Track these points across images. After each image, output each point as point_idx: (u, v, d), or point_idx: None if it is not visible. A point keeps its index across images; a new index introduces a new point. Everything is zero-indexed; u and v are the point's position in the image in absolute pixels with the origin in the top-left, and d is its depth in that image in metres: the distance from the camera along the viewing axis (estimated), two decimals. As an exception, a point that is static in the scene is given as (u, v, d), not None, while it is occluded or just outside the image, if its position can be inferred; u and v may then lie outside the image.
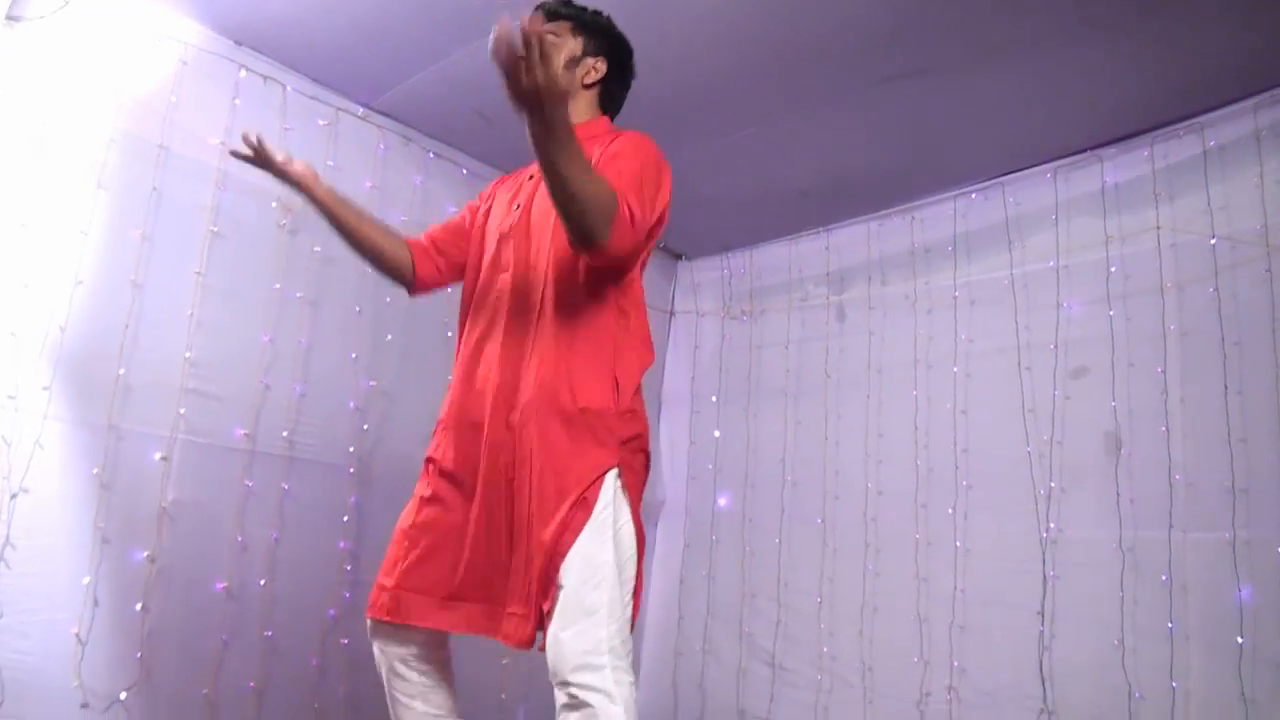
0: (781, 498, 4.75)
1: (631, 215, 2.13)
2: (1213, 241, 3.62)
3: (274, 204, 3.81)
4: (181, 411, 3.48)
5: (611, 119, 2.68)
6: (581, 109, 2.55)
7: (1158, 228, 3.79)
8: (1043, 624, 3.81)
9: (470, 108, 4.12)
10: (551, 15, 2.57)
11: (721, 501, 5.05)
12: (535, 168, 2.41)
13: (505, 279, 2.48)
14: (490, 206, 2.71)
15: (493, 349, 2.47)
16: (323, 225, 3.87)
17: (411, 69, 3.91)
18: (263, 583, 3.64)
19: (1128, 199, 3.90)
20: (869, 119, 4.00)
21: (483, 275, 2.60)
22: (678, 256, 5.59)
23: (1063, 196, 4.09)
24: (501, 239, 2.52)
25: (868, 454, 4.52)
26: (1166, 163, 3.81)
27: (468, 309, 2.69)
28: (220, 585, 3.53)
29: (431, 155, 4.40)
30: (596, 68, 2.60)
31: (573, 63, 2.51)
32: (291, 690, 3.69)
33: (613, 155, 2.31)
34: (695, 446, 5.22)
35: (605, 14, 2.67)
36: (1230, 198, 3.61)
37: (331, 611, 3.83)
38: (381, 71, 3.96)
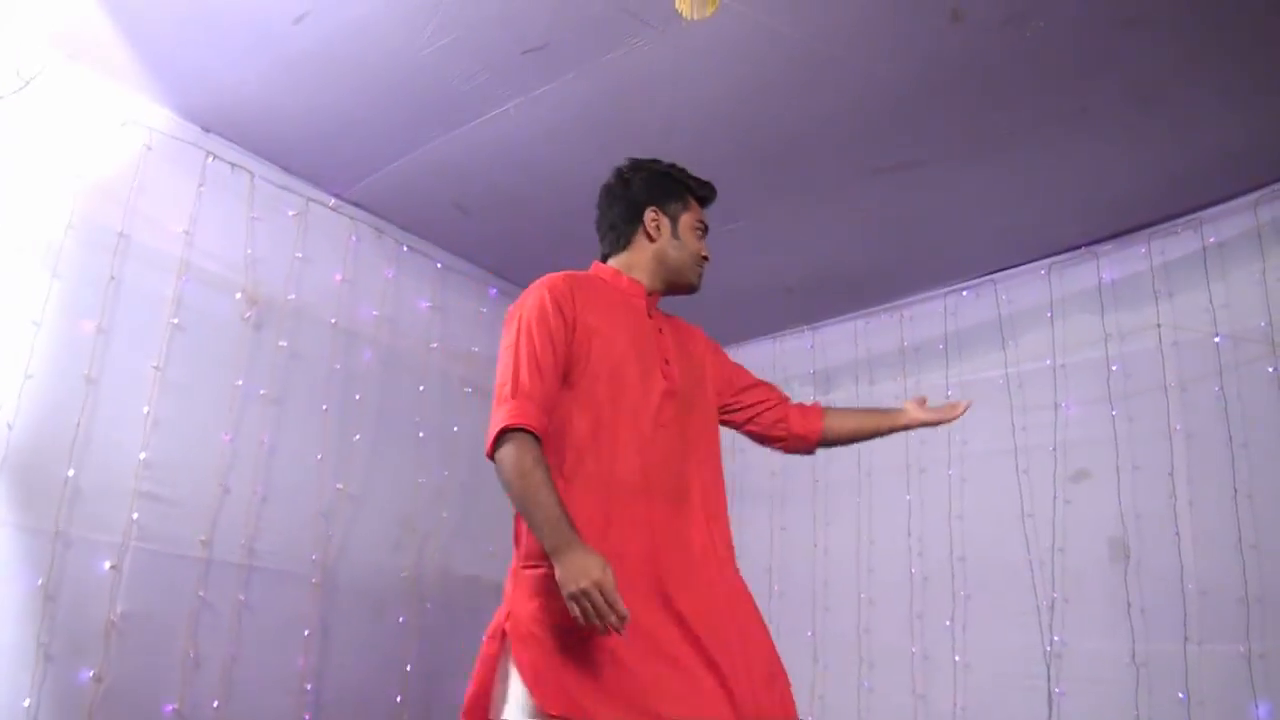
0: (769, 608, 4.56)
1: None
2: (1216, 340, 3.62)
3: (238, 295, 3.72)
4: (134, 516, 3.33)
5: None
6: None
7: (1158, 325, 3.79)
8: (1049, 744, 3.69)
9: (446, 199, 4.09)
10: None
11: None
12: (639, 308, 2.50)
13: (672, 437, 2.39)
14: (577, 323, 2.42)
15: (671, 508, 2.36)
16: (288, 318, 3.83)
17: (386, 159, 3.89)
18: (216, 704, 3.44)
19: (1126, 296, 3.91)
20: (856, 212, 4.00)
21: (642, 419, 2.39)
22: (662, 354, 5.48)
23: (1057, 294, 4.10)
24: (665, 395, 2.41)
25: (859, 562, 4.43)
26: (1164, 259, 3.83)
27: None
28: (170, 707, 3.34)
29: (405, 248, 4.35)
30: None
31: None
32: (248, 824, 3.49)
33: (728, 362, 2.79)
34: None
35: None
36: (1232, 295, 3.63)
37: (292, 736, 3.65)
38: (354, 161, 3.92)
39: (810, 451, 2.79)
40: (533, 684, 2.09)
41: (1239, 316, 3.59)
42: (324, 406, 3.94)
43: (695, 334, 2.69)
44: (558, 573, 2.05)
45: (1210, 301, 3.65)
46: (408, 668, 4.03)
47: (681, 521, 2.32)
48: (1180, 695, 3.43)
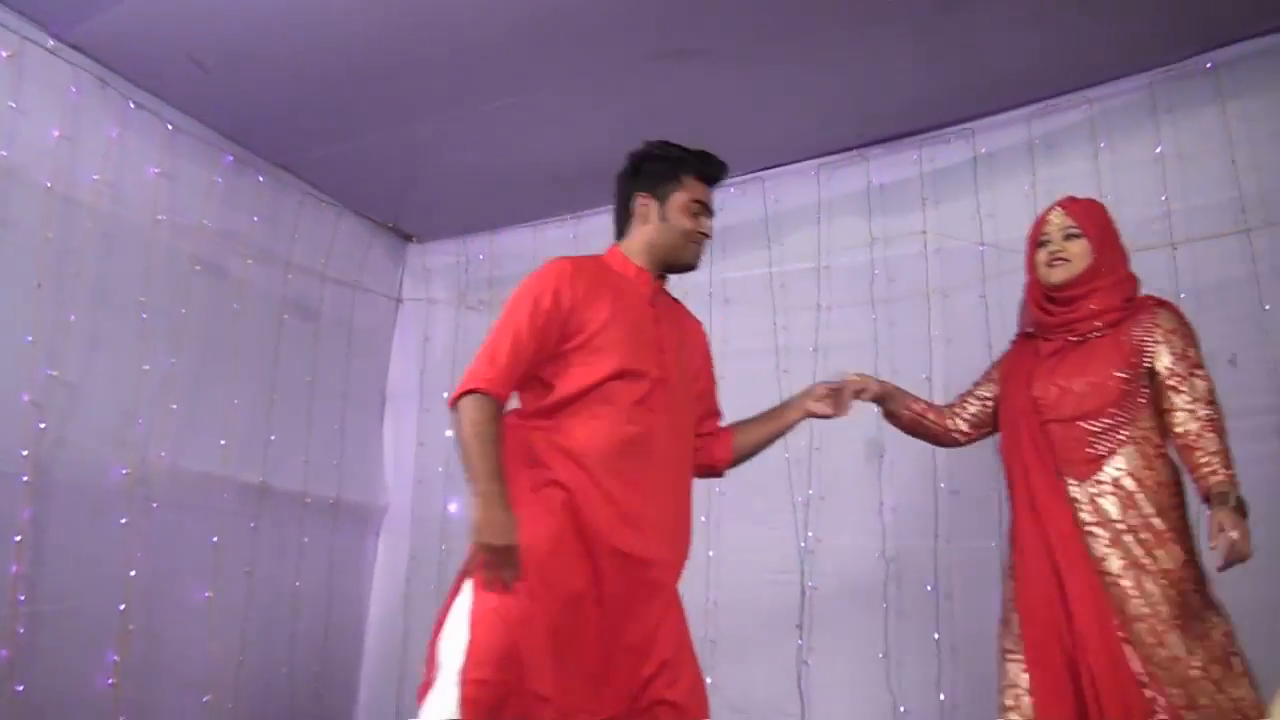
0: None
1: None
2: (981, 249, 3.87)
3: (-63, 151, 3.28)
4: None
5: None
6: None
7: (924, 232, 4.03)
8: (801, 637, 3.93)
9: (182, 49, 3.73)
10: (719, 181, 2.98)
11: (453, 508, 4.88)
12: (644, 296, 2.81)
13: (659, 421, 2.69)
14: (583, 310, 2.71)
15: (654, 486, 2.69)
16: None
17: (115, -4, 3.49)
18: (-83, 618, 3.12)
19: (894, 201, 4.12)
20: (631, 100, 3.98)
21: (630, 407, 2.67)
22: (407, 238, 5.36)
23: (826, 195, 4.25)
24: (656, 383, 2.69)
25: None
26: (934, 166, 4.06)
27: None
28: None
29: (132, 105, 3.94)
30: None
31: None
32: (-46, 749, 3.20)
33: (710, 358, 3.06)
34: (424, 447, 5.01)
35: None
36: (999, 205, 3.89)
37: (3, 652, 3.34)
38: (78, -4, 3.50)
39: (718, 475, 3.09)
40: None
41: (1004, 227, 3.82)
42: (36, 282, 3.54)
43: (696, 329, 3.03)
44: (474, 516, 2.42)
45: (977, 211, 3.90)
46: (131, 573, 3.76)
47: (653, 508, 2.63)
48: (928, 588, 3.73)
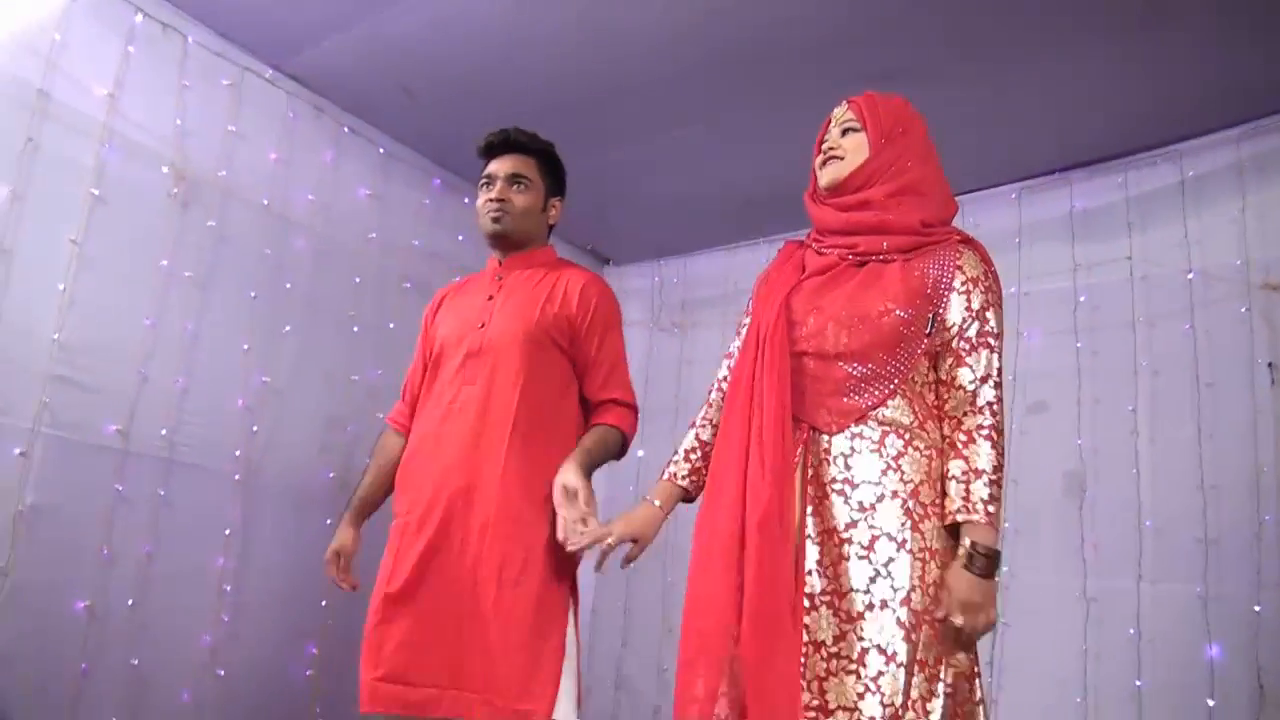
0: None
1: (634, 410, 3.01)
2: (1189, 276, 3.67)
3: (165, 169, 3.57)
4: (46, 401, 3.20)
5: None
6: (541, 241, 3.10)
7: (1129, 258, 3.84)
8: (990, 675, 3.78)
9: (394, 81, 3.95)
10: (519, 147, 3.05)
11: (641, 529, 4.90)
12: (493, 281, 3.00)
13: (471, 392, 2.82)
14: (432, 330, 3.09)
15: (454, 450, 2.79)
16: (218, 197, 3.69)
17: (330, 29, 3.72)
18: (130, 603, 3.37)
19: (1097, 227, 3.95)
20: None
21: (445, 385, 2.91)
22: (605, 261, 5.49)
23: (1026, 219, 4.11)
24: (469, 356, 2.86)
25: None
26: (1140, 190, 3.87)
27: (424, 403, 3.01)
28: (81, 604, 3.25)
29: (346, 130, 4.20)
30: (556, 207, 3.12)
31: (538, 211, 3.05)
32: (159, 728, 3.43)
33: (600, 332, 2.91)
34: (614, 467, 5.06)
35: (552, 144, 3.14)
36: (1206, 231, 3.68)
37: (207, 638, 3.58)
38: (296, 30, 3.75)
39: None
40: None
41: (1213, 253, 3.64)
42: (252, 294, 3.81)
43: (566, 281, 2.95)
44: None
45: (1185, 237, 3.70)
46: (333, 573, 3.97)
47: (459, 483, 2.72)
48: (1131, 632, 3.53)
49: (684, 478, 2.55)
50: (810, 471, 2.23)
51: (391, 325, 4.24)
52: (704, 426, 2.59)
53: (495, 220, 2.94)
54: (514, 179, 2.97)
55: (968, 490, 2.12)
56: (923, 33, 3.41)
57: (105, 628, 3.31)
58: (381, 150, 4.33)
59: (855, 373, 2.26)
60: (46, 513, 3.19)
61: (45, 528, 3.19)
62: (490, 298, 2.95)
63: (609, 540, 2.48)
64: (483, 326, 2.88)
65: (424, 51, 3.76)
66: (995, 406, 2.20)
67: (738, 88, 3.80)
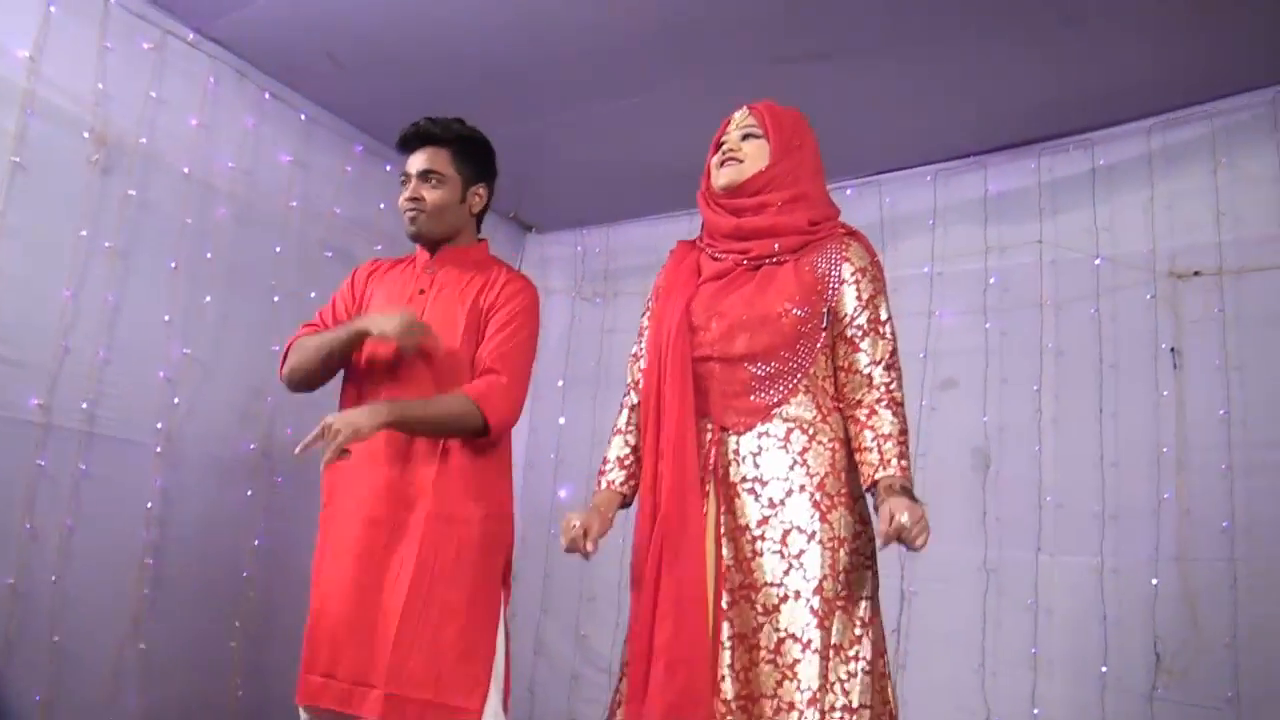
0: (552, 480, 4.85)
1: (506, 387, 2.75)
2: (1097, 262, 3.85)
3: (85, 134, 3.49)
4: (-36, 376, 3.16)
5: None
6: (467, 235, 3.03)
7: (1040, 242, 4.01)
8: (896, 642, 3.96)
9: (319, 47, 3.91)
10: (431, 140, 2.95)
11: (562, 494, 5.04)
12: (423, 272, 2.96)
13: (396, 392, 2.78)
14: (363, 298, 3.05)
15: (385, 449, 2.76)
16: (138, 164, 3.67)
17: (255, -7, 3.66)
18: (54, 579, 3.35)
19: (1010, 210, 4.11)
20: (751, 99, 4.00)
21: (374, 380, 2.87)
22: (527, 228, 5.51)
23: (941, 201, 4.26)
24: (398, 354, 2.80)
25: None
26: (1052, 176, 4.03)
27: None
28: (6, 581, 3.23)
29: (268, 95, 4.14)
30: (480, 194, 3.04)
31: (456, 204, 2.95)
32: (83, 703, 3.43)
33: (507, 316, 2.84)
34: (535, 433, 5.15)
35: (470, 125, 3.04)
36: (1116, 218, 3.86)
37: (130, 612, 3.57)
38: (220, -8, 3.68)
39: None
40: None
41: (1121, 240, 3.83)
42: (172, 264, 3.76)
43: (494, 283, 2.92)
44: None
45: (1095, 223, 3.88)
46: (255, 542, 4.00)
47: (391, 481, 2.73)
48: (1029, 601, 3.74)
49: (622, 484, 2.61)
50: (721, 472, 2.37)
51: (313, 294, 4.18)
52: (630, 432, 2.65)
53: (411, 221, 2.91)
54: (425, 175, 2.90)
55: (880, 452, 2.27)
56: (847, 16, 3.49)
57: (28, 604, 3.30)
58: (304, 116, 4.28)
59: (759, 372, 2.38)
60: (-34, 489, 3.16)
61: (-35, 505, 3.16)
62: (421, 291, 2.92)
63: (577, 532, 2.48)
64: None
65: (350, 18, 3.72)
66: (891, 385, 2.36)
67: (665, 62, 3.84)
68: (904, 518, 2.08)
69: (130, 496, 3.63)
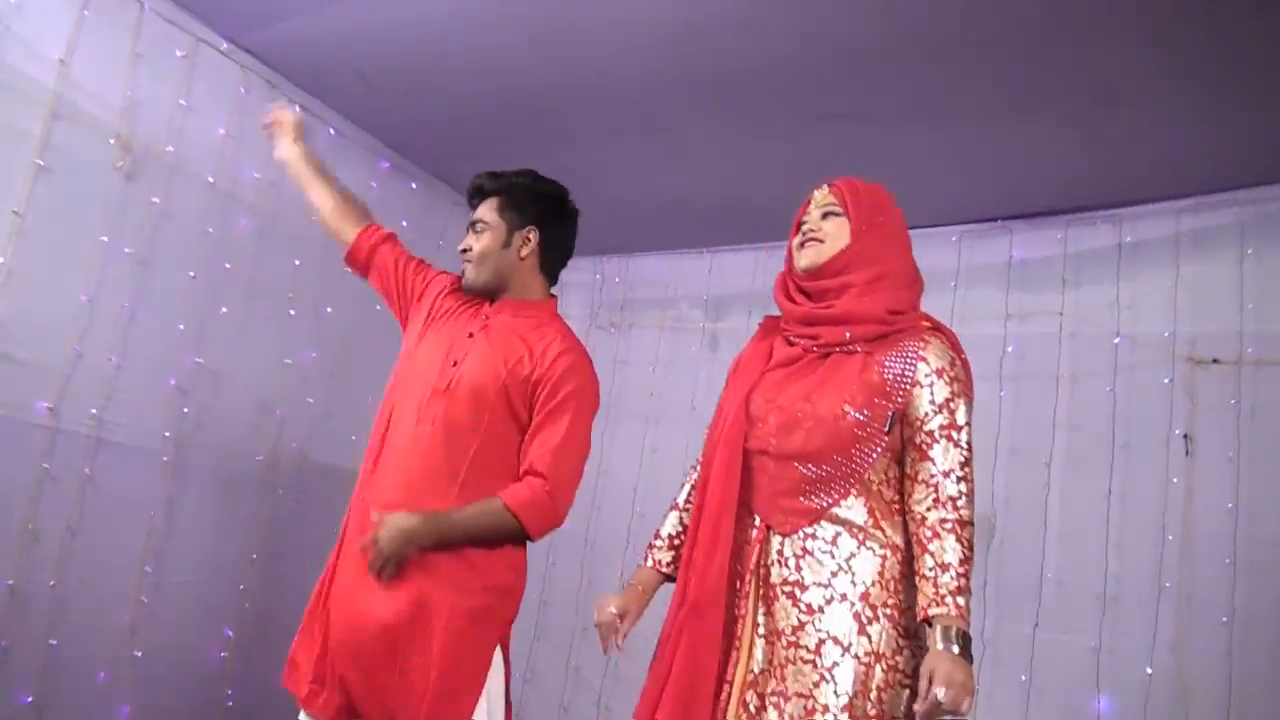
0: (629, 528, 4.76)
1: (550, 496, 2.68)
2: (1116, 340, 3.84)
3: (112, 140, 3.50)
4: (-23, 378, 3.18)
5: (553, 275, 3.02)
6: (526, 283, 2.92)
7: (1060, 314, 3.99)
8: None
9: (350, 64, 3.91)
10: (480, 191, 2.94)
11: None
12: (479, 315, 2.85)
13: (426, 433, 2.71)
14: (433, 306, 2.95)
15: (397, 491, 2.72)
16: (164, 172, 3.68)
17: (293, 10, 3.65)
18: (52, 583, 3.37)
19: (1033, 278, 4.09)
20: (782, 151, 4.04)
21: (405, 413, 2.79)
22: (546, 252, 5.43)
23: (965, 263, 4.24)
24: (435, 393, 2.73)
25: (725, 496, 4.53)
26: (1078, 248, 4.01)
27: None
28: (4, 582, 3.25)
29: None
30: (529, 239, 2.91)
31: (499, 249, 2.86)
32: (74, 708, 3.46)
33: (559, 402, 2.72)
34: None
35: (531, 174, 3.00)
36: (1139, 297, 3.85)
37: (126, 618, 3.60)
38: (256, 4, 3.67)
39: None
40: None
41: (1142, 320, 3.81)
42: (191, 273, 3.78)
43: (545, 341, 2.80)
44: None
45: (1116, 300, 3.86)
46: (253, 555, 4.02)
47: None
48: (1023, 678, 3.73)
49: (667, 565, 2.56)
50: (763, 572, 2.28)
51: (329, 309, 4.23)
52: (686, 510, 2.58)
53: (462, 273, 2.88)
54: (473, 225, 2.89)
55: (936, 584, 2.10)
56: (883, 80, 3.49)
57: (26, 607, 3.32)
58: (332, 130, 4.28)
59: (810, 474, 2.26)
60: (-30, 491, 3.18)
61: (-31, 506, 3.18)
62: (470, 335, 2.81)
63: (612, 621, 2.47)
64: (455, 365, 2.76)
65: (384, 37, 3.72)
66: (960, 501, 2.17)
67: (695, 108, 3.84)
68: (940, 694, 1.98)
69: (134, 503, 3.65)
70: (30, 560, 3.32)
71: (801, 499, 2.27)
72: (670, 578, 2.53)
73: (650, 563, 2.57)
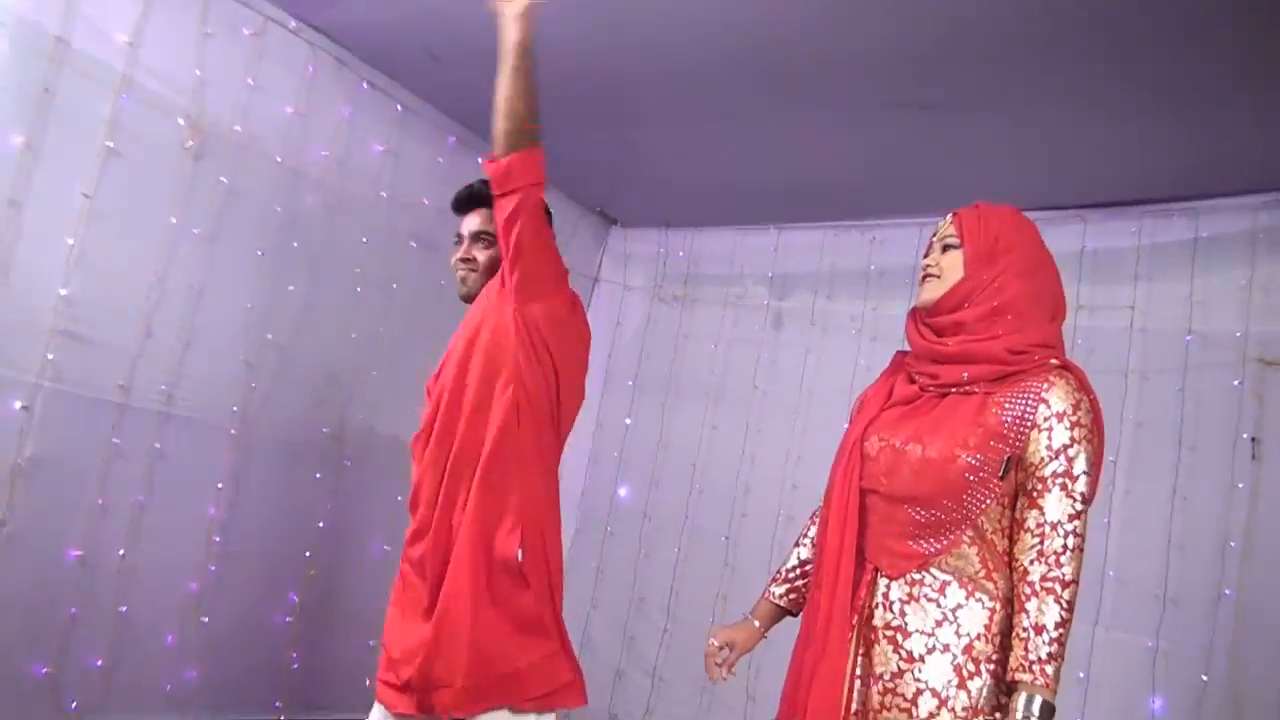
0: (687, 502, 4.80)
1: (530, 185, 2.57)
2: (1188, 338, 3.73)
3: (181, 121, 3.57)
4: (50, 356, 3.28)
5: None
6: None
7: (1132, 307, 3.89)
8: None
9: (419, 42, 3.91)
10: (483, 202, 2.81)
11: (622, 492, 5.10)
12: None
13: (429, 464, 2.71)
14: None
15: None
16: (232, 152, 3.72)
17: (361, -12, 3.67)
18: (121, 553, 3.51)
19: (1105, 270, 3.98)
20: (854, 137, 4.00)
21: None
22: (612, 221, 5.48)
23: (1039, 249, 4.10)
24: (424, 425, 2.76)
25: (784, 477, 4.57)
26: (1152, 241, 3.89)
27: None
28: (74, 553, 3.39)
29: (365, 85, 4.17)
30: None
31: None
32: (142, 671, 3.62)
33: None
34: (602, 430, 5.19)
35: None
36: (1212, 294, 3.74)
37: (194, 585, 3.75)
38: (325, -18, 3.71)
39: None
40: None
41: (1214, 318, 3.70)
42: (259, 251, 3.85)
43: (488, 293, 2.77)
44: None
45: (1190, 296, 3.75)
46: (320, 524, 4.12)
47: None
48: (1080, 674, 3.69)
49: (781, 597, 2.56)
50: (867, 614, 2.23)
51: (395, 285, 4.29)
52: (804, 545, 2.58)
53: (463, 281, 2.85)
54: (478, 236, 2.85)
55: (1027, 648, 2.03)
56: (959, 72, 3.40)
57: (96, 575, 3.46)
58: (399, 107, 4.31)
59: (920, 518, 2.20)
60: (45, 465, 3.31)
61: (43, 479, 3.31)
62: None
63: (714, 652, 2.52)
64: (436, 378, 2.80)
65: (455, 17, 3.70)
66: (1063, 556, 2.07)
67: (767, 93, 3.80)
68: None
69: (202, 476, 3.77)
70: (100, 532, 3.47)
71: (910, 543, 2.21)
72: (786, 611, 2.56)
73: (765, 595, 2.58)
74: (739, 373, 4.83)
